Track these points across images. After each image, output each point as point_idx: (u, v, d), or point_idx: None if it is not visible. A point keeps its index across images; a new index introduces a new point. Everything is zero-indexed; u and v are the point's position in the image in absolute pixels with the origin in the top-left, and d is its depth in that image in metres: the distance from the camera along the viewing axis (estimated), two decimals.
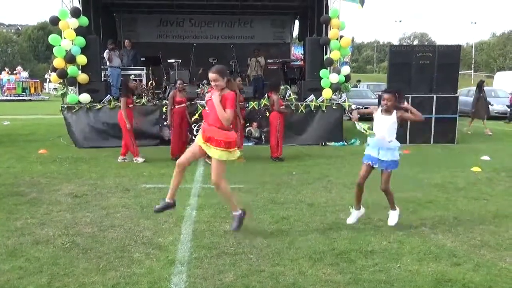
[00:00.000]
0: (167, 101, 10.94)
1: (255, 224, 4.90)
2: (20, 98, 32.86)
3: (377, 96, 14.69)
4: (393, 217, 4.82)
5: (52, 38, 10.51)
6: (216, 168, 4.43)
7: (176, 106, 8.64)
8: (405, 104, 4.88)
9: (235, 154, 4.45)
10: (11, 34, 74.23)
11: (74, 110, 10.60)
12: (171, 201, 4.57)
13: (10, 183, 6.79)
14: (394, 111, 4.69)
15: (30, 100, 32.90)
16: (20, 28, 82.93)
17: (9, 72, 34.48)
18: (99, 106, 10.61)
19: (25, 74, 36.89)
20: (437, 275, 3.64)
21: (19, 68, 37.77)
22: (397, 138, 4.82)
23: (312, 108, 11.02)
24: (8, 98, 32.24)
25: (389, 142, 4.73)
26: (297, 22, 17.03)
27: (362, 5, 10.98)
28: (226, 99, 4.34)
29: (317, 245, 4.27)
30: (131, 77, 10.24)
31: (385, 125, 4.73)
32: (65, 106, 10.67)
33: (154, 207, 4.72)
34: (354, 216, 4.89)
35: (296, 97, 11.69)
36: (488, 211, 5.43)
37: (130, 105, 8.50)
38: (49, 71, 22.01)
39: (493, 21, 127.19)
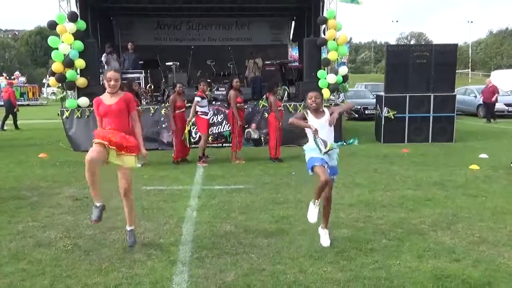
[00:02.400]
0: (165, 104, 11.01)
1: (255, 224, 4.92)
2: (18, 103, 32.77)
3: (375, 96, 14.76)
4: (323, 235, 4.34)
5: (51, 40, 10.53)
6: (128, 174, 4.24)
7: (177, 111, 8.65)
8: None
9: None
10: (8, 39, 74.21)
11: (74, 114, 10.61)
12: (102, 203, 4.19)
13: (11, 187, 6.82)
14: (326, 109, 4.26)
15: (28, 105, 32.89)
16: (17, 33, 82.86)
17: (7, 78, 34.46)
18: None
19: (23, 79, 36.89)
20: (436, 271, 3.68)
21: (17, 73, 37.78)
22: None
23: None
24: None
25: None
26: (293, 24, 17.09)
27: (356, 1, 11.02)
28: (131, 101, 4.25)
29: (317, 244, 4.30)
30: (135, 81, 10.22)
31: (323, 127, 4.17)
32: (64, 110, 10.70)
33: (92, 219, 4.13)
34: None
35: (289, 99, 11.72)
36: (487, 208, 5.47)
37: (137, 108, 8.47)
38: (47, 75, 22.04)
39: (489, 20, 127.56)
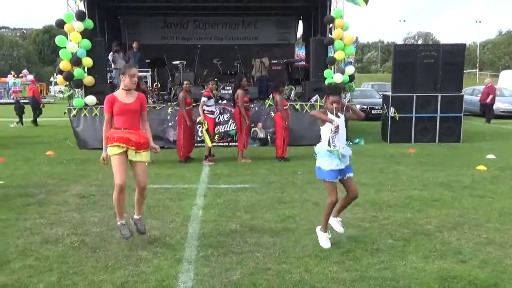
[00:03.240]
0: (172, 103, 11.05)
1: (261, 223, 4.93)
2: (26, 101, 33.04)
3: (381, 96, 14.70)
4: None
5: (58, 39, 10.60)
6: (146, 170, 4.34)
7: (186, 108, 8.66)
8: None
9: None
10: (17, 38, 74.76)
11: (81, 113, 10.68)
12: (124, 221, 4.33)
13: (18, 184, 6.87)
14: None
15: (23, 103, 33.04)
16: (25, 32, 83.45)
17: (15, 76, 34.76)
18: None
19: (30, 77, 37.10)
20: (442, 272, 3.66)
21: (24, 71, 38.01)
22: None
23: (317, 109, 11.04)
24: (14, 101, 32.45)
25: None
26: (300, 23, 17.06)
27: (366, 2, 10.96)
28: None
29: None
30: (143, 79, 10.26)
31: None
32: (71, 108, 10.77)
33: (125, 236, 4.26)
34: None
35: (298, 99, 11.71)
36: (494, 209, 5.43)
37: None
38: (55, 73, 22.21)
39: (498, 20, 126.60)
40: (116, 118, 4.24)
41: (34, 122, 16.91)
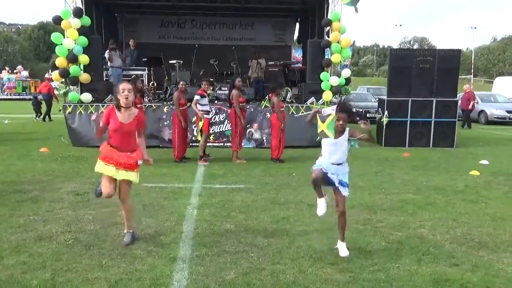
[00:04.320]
0: (168, 102, 11.03)
1: (256, 223, 4.94)
2: (20, 97, 32.89)
3: (377, 99, 14.77)
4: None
5: (54, 36, 10.56)
6: (129, 191, 4.37)
7: (180, 108, 8.65)
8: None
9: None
10: (12, 33, 74.25)
11: (76, 110, 10.63)
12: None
13: (12, 181, 6.84)
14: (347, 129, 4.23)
15: (30, 99, 32.87)
16: (20, 28, 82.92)
17: (10, 71, 34.51)
18: (102, 106, 10.64)
19: (25, 73, 36.91)
20: (435, 275, 3.70)
21: (19, 67, 37.78)
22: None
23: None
24: (8, 97, 32.28)
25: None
26: (298, 25, 17.11)
27: (356, 10, 11.08)
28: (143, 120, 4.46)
29: (317, 245, 4.32)
30: (140, 78, 10.22)
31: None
32: (67, 105, 10.72)
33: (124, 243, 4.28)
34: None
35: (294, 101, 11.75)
36: (486, 214, 5.48)
37: (139, 105, 8.41)
38: (49, 70, 22.12)
39: (493, 26, 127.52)
40: (111, 134, 4.22)
41: (48, 117, 17.29)
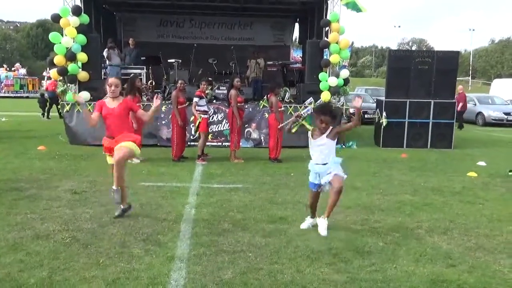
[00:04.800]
0: (166, 101, 11.02)
1: (253, 223, 4.94)
2: (18, 95, 32.80)
3: (375, 100, 14.78)
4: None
5: (52, 36, 10.54)
6: (124, 152, 4.75)
7: (179, 107, 8.65)
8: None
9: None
10: (10, 31, 74.00)
11: (74, 108, 10.62)
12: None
13: (9, 179, 6.82)
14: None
15: (28, 97, 32.81)
16: (18, 25, 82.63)
17: (7, 69, 34.39)
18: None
19: (23, 71, 36.79)
20: (432, 276, 3.70)
21: (17, 65, 37.66)
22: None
23: (312, 110, 11.07)
24: (6, 94, 32.19)
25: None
26: (297, 25, 17.12)
27: (359, 10, 11.07)
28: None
29: (315, 245, 4.32)
30: (139, 77, 10.19)
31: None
32: (65, 103, 10.70)
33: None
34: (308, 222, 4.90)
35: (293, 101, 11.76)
36: (483, 215, 5.50)
37: (137, 104, 8.38)
38: (47, 68, 22.06)
39: (492, 28, 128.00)
40: (105, 121, 4.89)
41: (47, 114, 17.48)
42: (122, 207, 5.02)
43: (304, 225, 4.82)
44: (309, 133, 4.63)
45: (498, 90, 24.54)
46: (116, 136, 4.81)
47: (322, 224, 4.61)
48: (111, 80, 4.95)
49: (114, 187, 4.90)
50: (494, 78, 39.74)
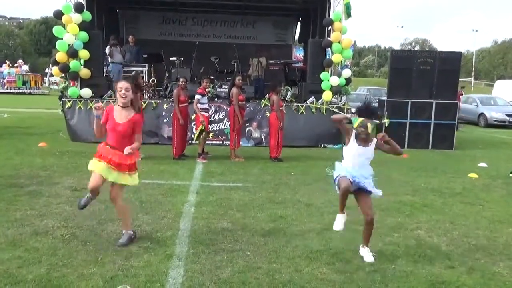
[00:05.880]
0: (168, 99, 11.02)
1: (253, 222, 4.94)
2: (20, 91, 32.82)
3: (377, 100, 14.75)
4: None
5: (56, 29, 10.54)
6: (120, 191, 4.22)
7: (180, 105, 8.64)
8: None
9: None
10: (13, 27, 74.13)
11: (75, 105, 10.62)
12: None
13: (9, 175, 6.82)
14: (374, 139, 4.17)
15: (30, 93, 32.84)
16: (21, 22, 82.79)
17: (10, 65, 34.40)
18: (102, 102, 10.63)
19: (26, 67, 36.81)
20: (431, 277, 3.70)
21: (20, 61, 37.68)
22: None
23: (313, 110, 11.07)
24: (8, 91, 32.20)
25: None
26: (299, 24, 17.08)
27: (348, 16, 11.07)
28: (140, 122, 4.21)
29: (314, 245, 4.32)
30: (140, 74, 10.19)
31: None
32: (66, 100, 10.71)
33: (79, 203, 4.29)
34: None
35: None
36: (483, 217, 5.48)
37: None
38: (50, 65, 22.07)
39: (495, 29, 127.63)
40: (108, 132, 4.12)
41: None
42: (129, 232, 4.28)
43: (339, 225, 4.15)
44: (353, 135, 4.13)
45: (501, 91, 24.46)
46: (116, 147, 4.08)
47: (366, 253, 4.07)
48: (122, 83, 4.09)
49: (123, 230, 4.27)
50: (496, 79, 39.63)
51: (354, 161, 4.07)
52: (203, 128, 8.54)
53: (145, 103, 10.34)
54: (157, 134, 10.78)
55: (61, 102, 10.93)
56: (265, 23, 16.73)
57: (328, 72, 11.18)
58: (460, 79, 12.73)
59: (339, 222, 4.14)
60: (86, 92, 10.63)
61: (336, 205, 5.48)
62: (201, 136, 8.66)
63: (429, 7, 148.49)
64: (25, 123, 14.41)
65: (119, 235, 4.36)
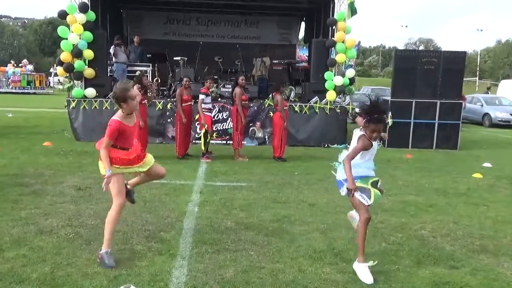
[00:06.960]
0: (172, 99, 11.04)
1: (256, 222, 4.94)
2: (25, 91, 32.98)
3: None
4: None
5: (60, 30, 10.58)
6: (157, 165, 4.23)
7: (183, 105, 8.66)
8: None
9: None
10: (18, 27, 74.48)
11: (80, 105, 10.66)
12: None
13: (15, 174, 6.86)
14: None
15: (34, 93, 33.00)
16: (26, 22, 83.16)
17: (15, 65, 34.57)
18: (106, 102, 10.66)
19: (30, 67, 36.98)
20: (435, 277, 3.68)
21: (24, 61, 37.86)
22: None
23: (316, 110, 11.07)
24: (13, 90, 32.37)
25: None
26: (303, 24, 17.08)
27: (351, 15, 11.03)
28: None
29: (317, 244, 4.31)
30: (145, 74, 10.23)
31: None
32: (70, 100, 10.75)
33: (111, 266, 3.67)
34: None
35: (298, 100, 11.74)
36: (488, 217, 5.46)
37: (143, 102, 8.26)
38: (55, 65, 22.18)
39: (500, 29, 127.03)
40: (123, 139, 3.87)
41: None
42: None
43: (369, 276, 3.54)
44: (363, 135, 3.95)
45: (505, 91, 24.34)
46: (130, 146, 3.95)
47: (363, 268, 3.64)
48: (135, 91, 3.99)
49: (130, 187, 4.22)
50: (501, 79, 39.43)
51: (368, 160, 4.07)
52: (206, 130, 8.56)
53: (149, 103, 10.34)
54: (161, 134, 10.81)
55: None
56: (269, 23, 16.74)
57: (332, 72, 11.17)
58: (465, 79, 12.66)
59: (367, 273, 3.57)
60: (91, 92, 10.68)
61: (340, 205, 5.50)
62: (208, 138, 8.68)
63: (434, 7, 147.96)
64: (29, 122, 14.49)
65: (123, 234, 4.39)
